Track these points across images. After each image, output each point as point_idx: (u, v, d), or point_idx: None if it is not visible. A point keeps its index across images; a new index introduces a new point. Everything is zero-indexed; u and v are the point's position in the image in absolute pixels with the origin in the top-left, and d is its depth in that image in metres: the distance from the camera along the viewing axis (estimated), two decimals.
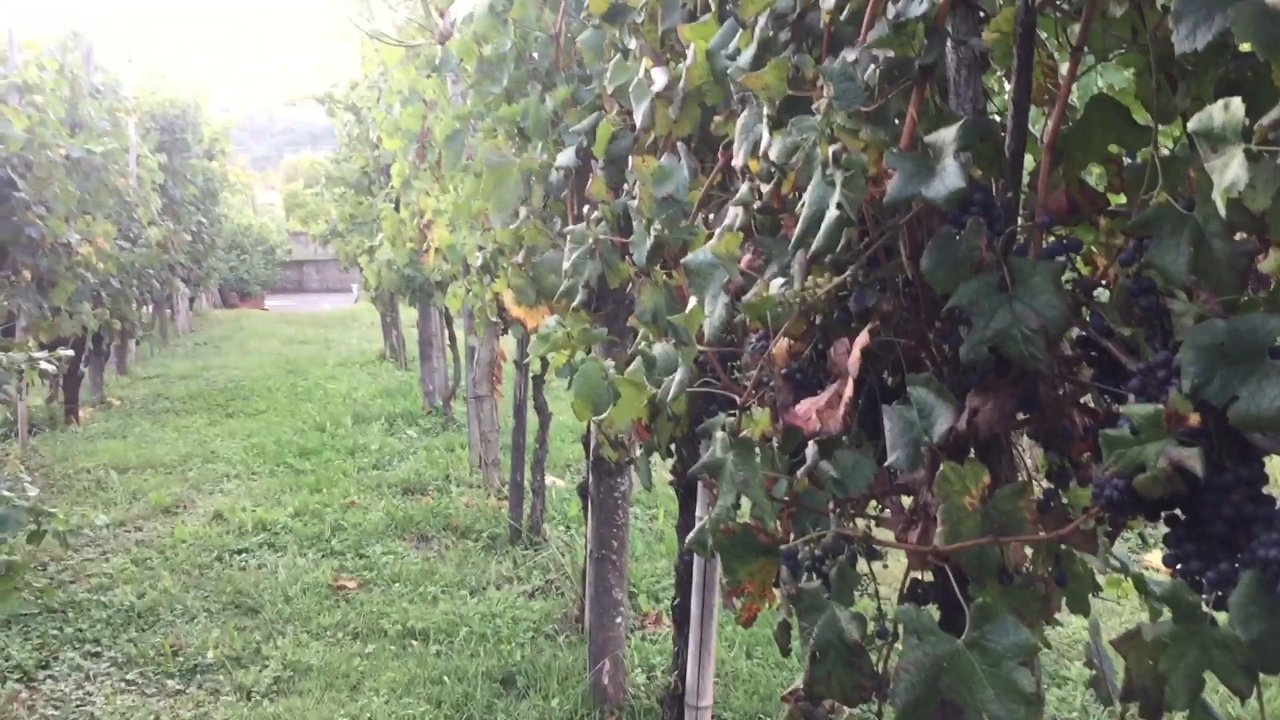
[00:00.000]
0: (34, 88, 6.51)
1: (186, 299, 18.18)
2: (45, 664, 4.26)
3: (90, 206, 7.62)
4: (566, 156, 2.97)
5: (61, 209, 6.66)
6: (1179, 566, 1.10)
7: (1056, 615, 1.44)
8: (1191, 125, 0.99)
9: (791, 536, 1.47)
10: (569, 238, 2.54)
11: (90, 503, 6.65)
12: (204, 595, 5.05)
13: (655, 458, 2.48)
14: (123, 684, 4.12)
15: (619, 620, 3.87)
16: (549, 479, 6.27)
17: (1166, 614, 1.13)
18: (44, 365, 4.63)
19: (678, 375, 1.60)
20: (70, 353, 5.64)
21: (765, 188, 1.55)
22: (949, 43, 1.36)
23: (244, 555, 5.68)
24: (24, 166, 6.36)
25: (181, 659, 4.32)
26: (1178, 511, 1.11)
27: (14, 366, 4.54)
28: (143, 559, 5.56)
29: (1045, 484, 1.44)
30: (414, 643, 4.48)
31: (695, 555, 2.89)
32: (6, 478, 3.92)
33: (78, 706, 3.91)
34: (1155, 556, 4.76)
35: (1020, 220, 1.34)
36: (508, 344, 6.37)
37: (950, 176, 1.21)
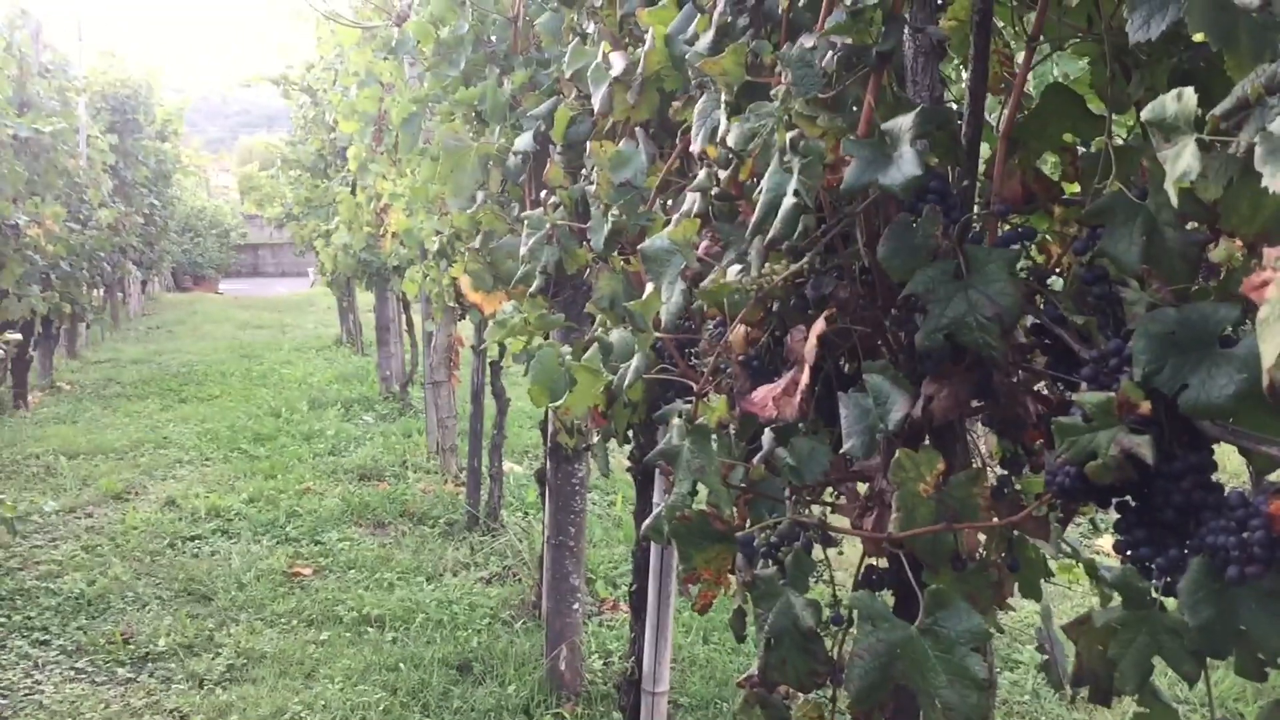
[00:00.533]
0: None
1: (139, 282, 17.91)
2: None
3: (39, 188, 7.48)
4: (524, 141, 2.95)
5: (9, 190, 6.54)
6: (1129, 553, 1.11)
7: (1009, 600, 1.46)
8: (1145, 115, 1.00)
9: (747, 523, 1.47)
10: (526, 223, 2.53)
11: (39, 489, 6.56)
12: (156, 583, 4.99)
13: (612, 444, 2.48)
14: (72, 672, 4.07)
15: (576, 607, 3.87)
16: (507, 465, 6.25)
17: (1117, 600, 1.15)
18: None
19: (634, 362, 1.59)
20: (18, 336, 5.55)
21: (723, 174, 1.55)
22: (906, 30, 1.36)
23: (197, 542, 5.63)
24: None
25: (132, 647, 4.27)
26: (1128, 498, 1.12)
27: None
28: (93, 546, 5.49)
29: (999, 470, 1.45)
30: (370, 630, 4.46)
31: (652, 542, 2.89)
32: None
33: (25, 695, 3.86)
34: (1106, 541, 4.83)
35: (975, 208, 1.34)
36: (465, 329, 6.34)
37: (907, 164, 1.21)
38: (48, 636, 4.37)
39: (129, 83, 14.63)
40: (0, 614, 4.54)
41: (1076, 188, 1.41)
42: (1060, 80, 1.76)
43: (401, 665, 4.05)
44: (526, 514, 6.09)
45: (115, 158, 12.20)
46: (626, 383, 1.60)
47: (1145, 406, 1.03)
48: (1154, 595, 1.10)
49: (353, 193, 8.03)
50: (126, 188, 13.47)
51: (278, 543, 5.62)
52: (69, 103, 9.76)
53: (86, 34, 12.56)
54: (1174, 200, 0.93)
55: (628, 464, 2.94)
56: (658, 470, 2.72)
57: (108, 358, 12.53)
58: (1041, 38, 1.31)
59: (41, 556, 5.31)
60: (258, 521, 5.92)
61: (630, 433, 2.45)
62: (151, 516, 5.99)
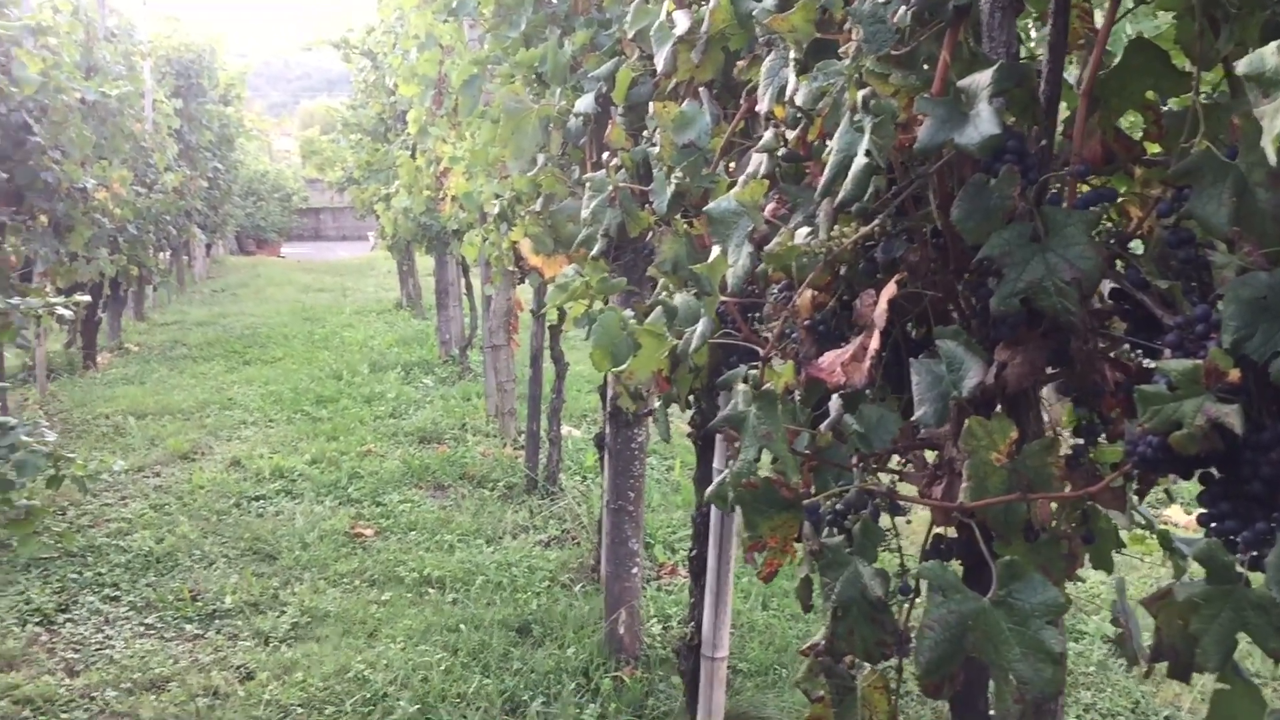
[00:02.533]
0: (48, 30, 6.44)
1: (203, 245, 18.14)
2: (65, 608, 4.30)
3: (106, 151, 7.57)
4: (585, 102, 2.92)
5: (77, 154, 6.62)
6: (1213, 525, 1.07)
7: (1078, 571, 1.42)
8: (1241, 68, 0.95)
9: (813, 491, 1.44)
10: (588, 185, 2.51)
11: (109, 448, 6.69)
12: (222, 541, 5.08)
13: (673, 409, 2.46)
14: (141, 628, 4.16)
15: (635, 570, 3.88)
16: (565, 429, 6.27)
17: (1195, 572, 1.11)
18: (61, 311, 4.62)
19: (700, 326, 1.57)
20: (87, 299, 5.64)
21: (791, 134, 1.51)
22: None
23: (261, 502, 5.71)
24: (39, 110, 6.31)
25: (200, 604, 4.35)
26: (1213, 470, 1.08)
27: (31, 312, 4.53)
28: (161, 505, 5.59)
29: (1072, 439, 1.41)
30: (430, 591, 4.50)
31: (713, 507, 2.88)
32: (26, 423, 3.92)
33: (97, 650, 3.95)
34: (1175, 511, 4.74)
35: (1054, 169, 1.30)
36: (524, 293, 6.34)
37: (984, 123, 1.17)
38: (118, 593, 4.47)
39: (193, 47, 14.76)
40: (72, 570, 4.65)
41: (1158, 147, 1.37)
42: (1135, 37, 1.69)
43: (462, 626, 4.09)
44: (585, 478, 6.10)
45: (180, 122, 12.34)
46: (692, 347, 1.58)
47: (1234, 374, 0.99)
48: (1239, 570, 1.06)
49: (413, 156, 8.05)
50: (191, 152, 13.64)
51: (340, 504, 5.69)
52: (134, 67, 9.87)
53: None
54: (1272, 158, 0.89)
55: (688, 429, 2.92)
56: (719, 435, 2.70)
57: (174, 320, 12.74)
58: None
59: (111, 514, 5.43)
60: (320, 482, 6.00)
61: (691, 397, 2.43)
62: (217, 476, 6.10)
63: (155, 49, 12.49)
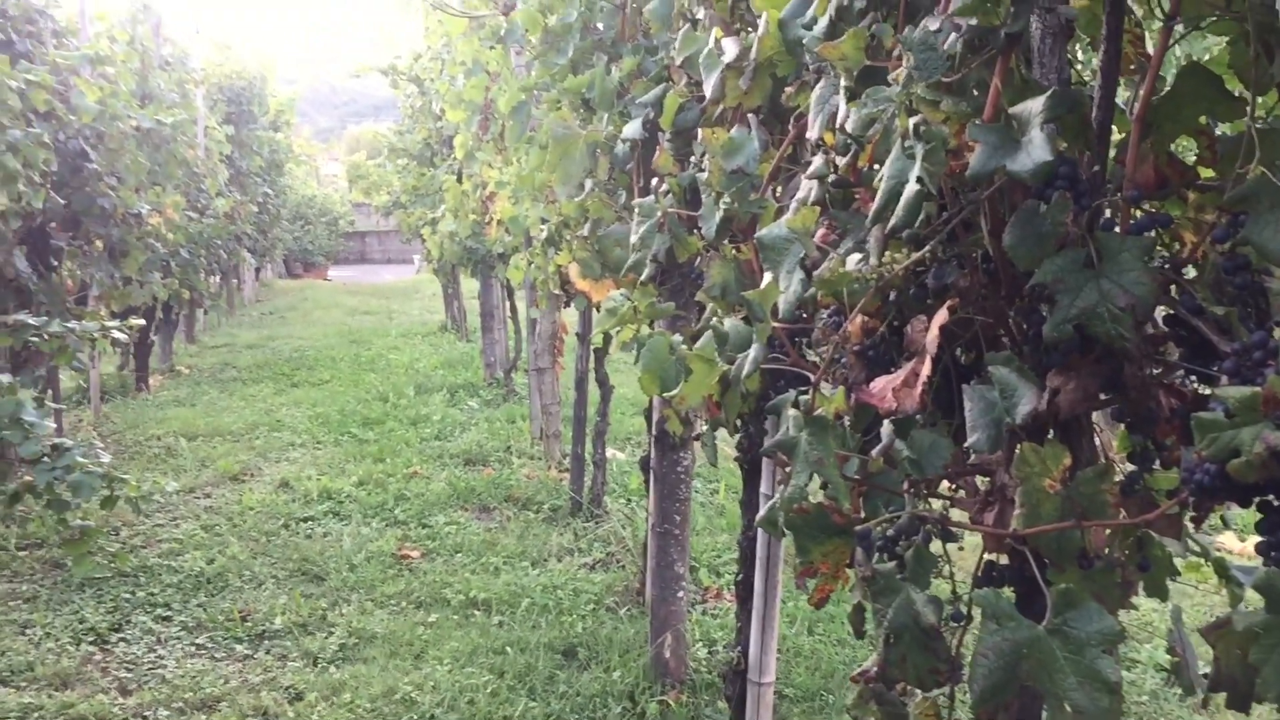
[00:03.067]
0: (106, 60, 6.59)
1: (252, 269, 18.40)
2: (118, 627, 4.37)
3: (160, 177, 7.71)
4: (633, 128, 2.94)
5: (132, 180, 6.74)
6: (1274, 554, 1.06)
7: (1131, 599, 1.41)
8: None
9: (863, 516, 1.44)
10: (637, 211, 2.52)
11: (160, 469, 6.79)
12: (271, 562, 5.13)
13: (719, 432, 2.47)
14: (193, 648, 4.20)
15: (680, 594, 3.87)
16: (609, 451, 6.28)
17: (1253, 600, 1.10)
18: (117, 334, 4.71)
19: (752, 352, 1.58)
20: (142, 322, 5.75)
21: (841, 161, 1.52)
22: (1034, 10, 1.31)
23: (310, 523, 5.77)
24: (96, 138, 6.44)
25: (250, 624, 4.40)
26: (1271, 497, 1.07)
27: (88, 335, 4.62)
28: (211, 525, 5.66)
29: (1127, 466, 1.40)
30: (476, 613, 4.52)
31: (759, 531, 2.88)
32: (81, 444, 3.99)
33: (149, 669, 4.00)
34: (1229, 538, 4.67)
35: (1106, 195, 1.30)
36: (569, 316, 6.37)
37: (1037, 149, 1.17)
38: (169, 612, 4.53)
39: (244, 74, 15.00)
40: (125, 590, 4.72)
41: (1212, 173, 1.36)
42: (1191, 60, 1.69)
43: (508, 649, 4.10)
44: (629, 501, 6.11)
45: (231, 148, 12.53)
46: (744, 373, 1.58)
47: None
48: None
49: (459, 181, 8.13)
50: (241, 177, 13.85)
51: (387, 525, 5.73)
52: (188, 95, 10.05)
53: (202, 26, 12.90)
54: None
55: (735, 453, 2.92)
56: (766, 459, 2.70)
57: (224, 342, 12.92)
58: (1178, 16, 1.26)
59: (164, 535, 5.50)
60: (367, 504, 6.05)
61: (738, 421, 2.43)
62: (266, 498, 6.16)
63: (208, 76, 12.72)
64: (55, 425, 6.50)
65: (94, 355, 7.78)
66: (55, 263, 6.35)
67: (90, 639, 4.24)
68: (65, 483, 3.84)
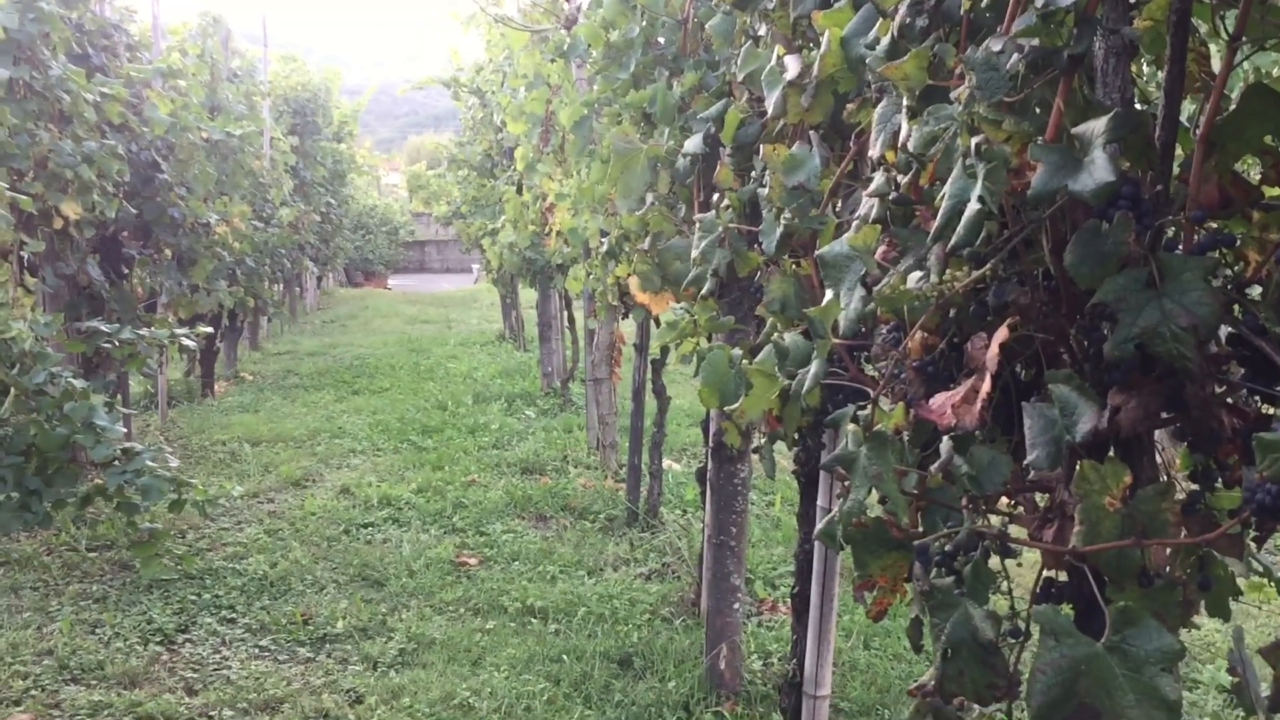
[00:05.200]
0: (177, 73, 6.75)
1: (315, 277, 18.69)
2: (184, 628, 4.46)
3: (227, 187, 7.88)
4: (694, 143, 2.97)
5: (201, 190, 6.90)
6: None
7: (1193, 618, 1.41)
8: None
9: (921, 531, 1.45)
10: (698, 225, 2.55)
11: (225, 474, 6.92)
12: (332, 567, 5.21)
13: (776, 445, 2.48)
14: (256, 650, 4.28)
15: (736, 606, 3.88)
16: (666, 462, 6.31)
17: None
18: (185, 341, 4.82)
19: (813, 368, 1.60)
20: (209, 329, 5.88)
21: (902, 179, 1.53)
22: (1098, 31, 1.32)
23: (370, 529, 5.85)
24: (167, 149, 6.61)
25: (311, 628, 4.47)
26: None
27: (157, 341, 4.74)
28: (274, 530, 5.76)
29: (1187, 484, 1.40)
30: (533, 621, 4.56)
31: (816, 543, 2.89)
32: (150, 448, 4.09)
33: (215, 670, 4.09)
34: None
35: (1169, 214, 1.30)
36: (626, 327, 6.41)
37: (1099, 170, 1.18)
38: (234, 615, 4.62)
39: (309, 86, 15.26)
40: (191, 592, 4.82)
41: (1277, 192, 1.36)
42: (1256, 79, 1.68)
43: (564, 657, 4.13)
44: (685, 512, 6.12)
45: (296, 158, 12.76)
46: (805, 389, 1.60)
47: None
48: None
49: (519, 192, 8.21)
50: (305, 187, 14.09)
51: (445, 532, 5.80)
52: (255, 106, 10.25)
53: (270, 39, 13.16)
54: None
55: (792, 466, 2.93)
56: (823, 472, 2.71)
57: (286, 350, 13.13)
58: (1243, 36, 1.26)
59: (228, 539, 5.61)
60: (426, 511, 6.12)
61: (796, 434, 2.45)
62: (328, 503, 6.26)
63: (274, 88, 12.96)
64: (125, 430, 6.66)
65: (162, 361, 7.96)
66: (126, 270, 6.52)
67: (158, 639, 4.33)
68: (135, 486, 3.94)
